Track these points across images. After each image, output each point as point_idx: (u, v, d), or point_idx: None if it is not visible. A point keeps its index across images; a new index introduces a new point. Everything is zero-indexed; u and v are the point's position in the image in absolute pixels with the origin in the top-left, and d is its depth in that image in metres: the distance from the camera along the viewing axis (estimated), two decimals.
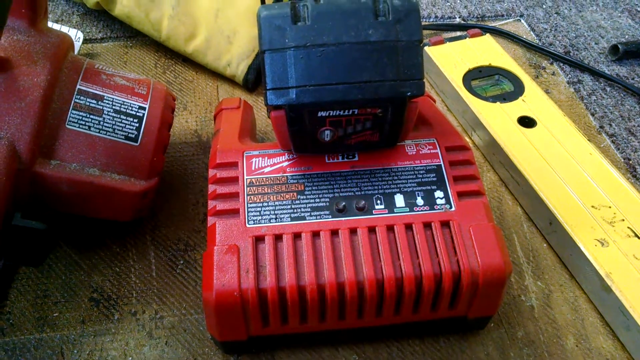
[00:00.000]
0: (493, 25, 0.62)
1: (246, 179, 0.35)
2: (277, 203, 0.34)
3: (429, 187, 0.35)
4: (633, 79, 0.57)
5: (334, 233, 0.33)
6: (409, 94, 0.32)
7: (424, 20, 0.63)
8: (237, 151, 0.37)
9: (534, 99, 0.50)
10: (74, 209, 0.38)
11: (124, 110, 0.38)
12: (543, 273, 0.41)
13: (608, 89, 0.56)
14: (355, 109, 0.33)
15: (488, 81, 0.52)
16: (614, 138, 0.51)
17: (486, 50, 0.55)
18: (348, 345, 0.37)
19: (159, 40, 0.56)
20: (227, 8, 0.54)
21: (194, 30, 0.54)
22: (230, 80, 0.55)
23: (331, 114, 0.33)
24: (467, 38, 0.56)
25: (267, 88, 0.32)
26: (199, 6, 0.54)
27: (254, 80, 0.54)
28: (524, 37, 0.61)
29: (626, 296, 0.37)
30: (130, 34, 0.59)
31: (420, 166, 0.36)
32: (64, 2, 0.63)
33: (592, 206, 0.42)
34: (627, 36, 0.62)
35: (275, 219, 0.34)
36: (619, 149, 0.50)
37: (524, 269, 0.42)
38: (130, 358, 0.36)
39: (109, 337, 0.37)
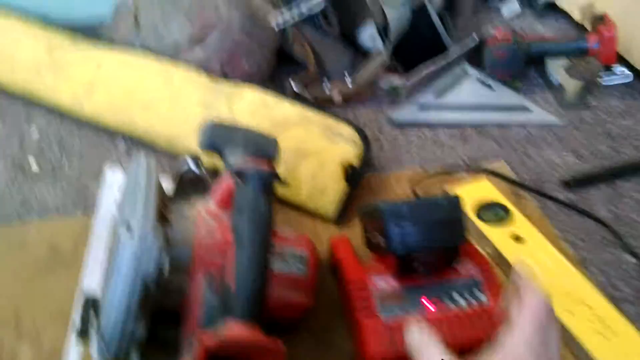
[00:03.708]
0: (485, 167, 0.94)
1: (372, 290, 0.65)
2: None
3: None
4: (578, 201, 0.89)
5: None
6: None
7: (439, 165, 0.95)
8: (363, 273, 0.66)
9: (520, 222, 0.81)
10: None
11: (296, 256, 0.67)
12: None
13: (565, 209, 0.87)
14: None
15: (489, 211, 0.83)
16: (567, 242, 0.82)
17: (485, 190, 0.87)
18: None
19: None
20: (320, 173, 0.85)
21: (300, 187, 0.85)
22: (323, 219, 0.85)
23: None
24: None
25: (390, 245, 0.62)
26: (301, 173, 0.85)
27: (339, 217, 0.84)
28: (507, 174, 0.93)
29: None
30: None
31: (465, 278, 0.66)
32: None
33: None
34: (574, 171, 0.94)
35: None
36: (573, 249, 0.81)
37: None
38: None
39: None
